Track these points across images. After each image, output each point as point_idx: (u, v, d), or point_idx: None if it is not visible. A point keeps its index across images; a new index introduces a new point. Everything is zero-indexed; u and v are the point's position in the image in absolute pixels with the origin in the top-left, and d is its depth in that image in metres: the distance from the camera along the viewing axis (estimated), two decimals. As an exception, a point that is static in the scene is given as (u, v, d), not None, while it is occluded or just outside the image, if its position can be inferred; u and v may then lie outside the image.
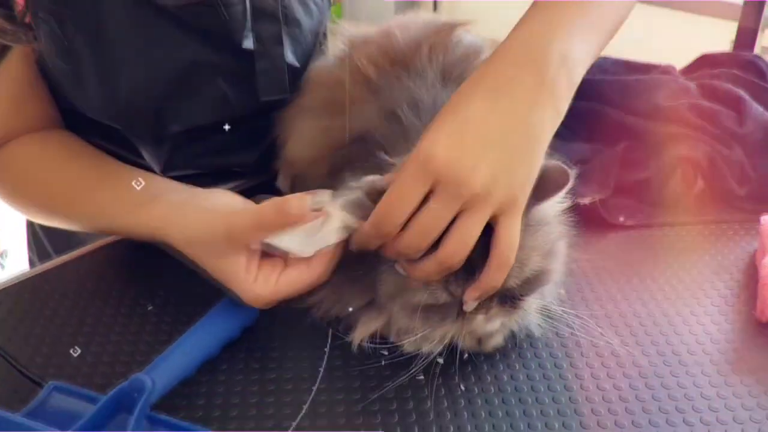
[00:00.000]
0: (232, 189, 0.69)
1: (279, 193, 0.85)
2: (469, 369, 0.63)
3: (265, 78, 0.81)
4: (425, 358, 0.62)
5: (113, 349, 0.65)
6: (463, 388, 0.61)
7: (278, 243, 0.58)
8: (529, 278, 0.59)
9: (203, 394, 0.60)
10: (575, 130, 0.90)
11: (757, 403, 0.59)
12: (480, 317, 0.59)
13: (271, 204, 0.57)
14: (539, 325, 0.66)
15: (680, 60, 1.07)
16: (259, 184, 0.89)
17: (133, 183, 0.70)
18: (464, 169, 0.52)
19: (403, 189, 0.54)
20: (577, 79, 0.59)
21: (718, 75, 0.94)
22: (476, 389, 0.61)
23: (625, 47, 1.04)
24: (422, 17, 0.79)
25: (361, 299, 0.63)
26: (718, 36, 1.85)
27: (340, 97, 0.73)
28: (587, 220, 0.71)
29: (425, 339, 0.62)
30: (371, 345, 0.64)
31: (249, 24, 0.77)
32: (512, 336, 0.66)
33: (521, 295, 0.60)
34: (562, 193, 0.59)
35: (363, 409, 0.59)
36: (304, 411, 0.58)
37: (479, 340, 0.63)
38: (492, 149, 0.53)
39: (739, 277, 0.76)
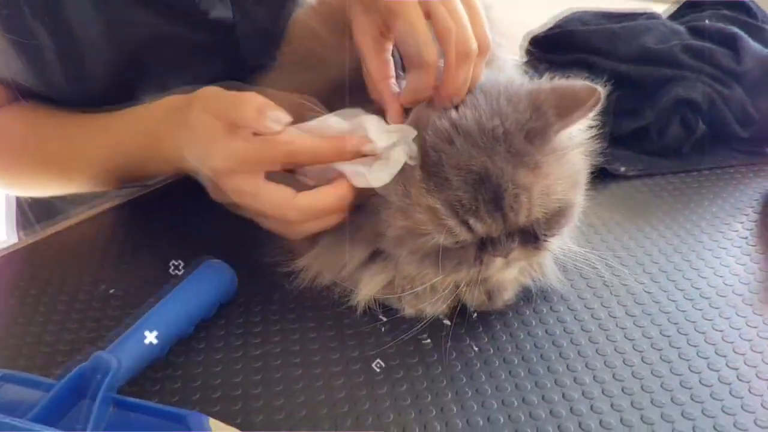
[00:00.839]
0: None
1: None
2: (480, 329, 0.56)
3: (247, 42, 0.75)
4: (429, 320, 0.55)
5: (70, 336, 0.56)
6: (476, 349, 0.54)
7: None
8: (554, 211, 0.52)
9: (179, 377, 0.52)
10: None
11: (803, 339, 0.53)
12: (499, 260, 0.52)
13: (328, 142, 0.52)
14: (558, 278, 0.59)
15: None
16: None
17: None
18: None
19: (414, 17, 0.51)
20: None
21: (707, 17, 0.89)
22: (491, 349, 0.54)
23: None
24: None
25: (363, 251, 0.55)
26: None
27: (318, 49, 0.66)
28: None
29: (431, 296, 0.55)
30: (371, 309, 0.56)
31: None
32: (524, 292, 0.59)
33: (545, 234, 0.53)
34: (591, 115, 0.52)
35: (366, 379, 0.51)
36: (300, 386, 0.51)
37: (489, 296, 0.56)
38: None
39: (756, 217, 0.70)
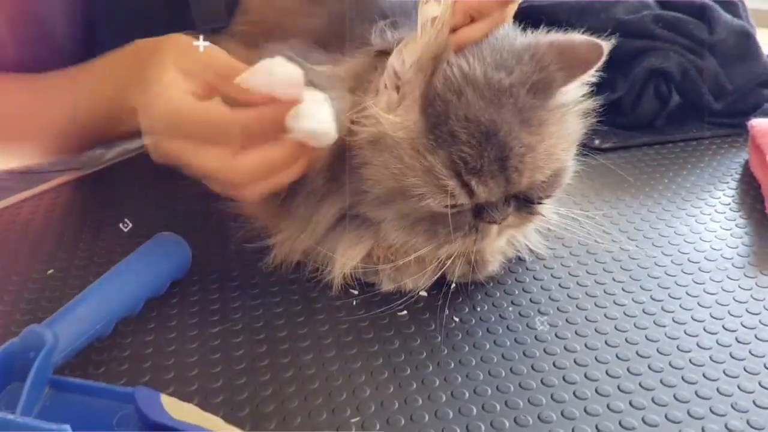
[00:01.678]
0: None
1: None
2: (460, 300, 0.52)
3: (199, 7, 0.69)
4: (408, 295, 0.51)
5: (3, 320, 0.50)
6: (457, 319, 0.50)
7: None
8: (554, 172, 0.48)
9: (126, 357, 0.46)
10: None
11: (800, 299, 0.50)
12: (495, 228, 0.48)
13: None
14: (544, 245, 0.56)
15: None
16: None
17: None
18: None
19: None
20: None
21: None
22: (473, 319, 0.50)
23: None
24: None
25: (331, 210, 0.50)
26: None
27: (285, 20, 0.61)
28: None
29: (415, 270, 0.50)
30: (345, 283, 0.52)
31: None
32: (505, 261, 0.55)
33: (539, 198, 0.49)
34: (592, 71, 0.49)
35: (338, 354, 0.46)
36: (265, 363, 0.45)
37: (473, 267, 0.52)
38: None
39: (736, 185, 0.68)
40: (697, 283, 0.53)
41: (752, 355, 0.45)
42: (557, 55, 0.48)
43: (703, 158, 0.74)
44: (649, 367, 0.45)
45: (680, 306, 0.50)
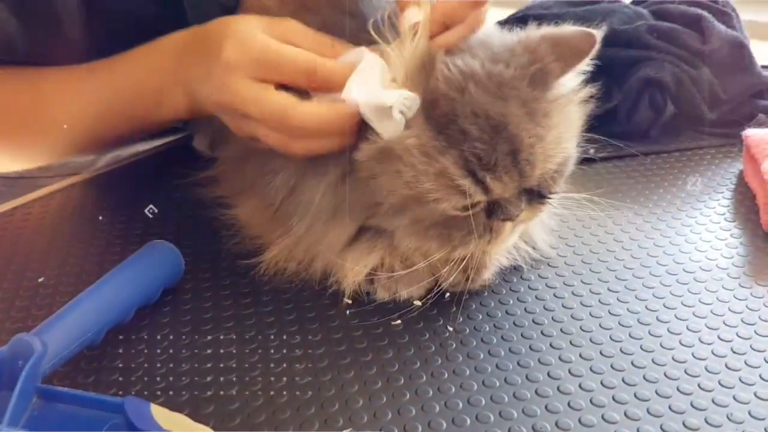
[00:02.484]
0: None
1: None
2: (454, 309, 0.51)
3: (194, 12, 0.69)
4: (402, 305, 0.50)
5: (-8, 328, 0.50)
6: (450, 329, 0.49)
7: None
8: (562, 162, 0.48)
9: (116, 367, 0.46)
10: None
11: (795, 310, 0.50)
12: (509, 226, 0.48)
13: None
14: (551, 245, 0.57)
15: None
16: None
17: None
18: None
19: None
20: None
21: (669, 0, 0.88)
22: (467, 329, 0.49)
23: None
24: None
25: (351, 225, 0.50)
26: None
27: None
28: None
29: (409, 279, 0.50)
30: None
31: None
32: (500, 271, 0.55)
33: (550, 190, 0.49)
34: (587, 60, 0.49)
35: (331, 363, 0.46)
36: (256, 373, 0.45)
37: (467, 276, 0.52)
38: None
39: (731, 195, 0.68)
40: (692, 293, 0.53)
41: (748, 365, 0.45)
42: (551, 47, 0.48)
43: (698, 168, 0.74)
44: (644, 377, 0.44)
45: (675, 316, 0.50)
